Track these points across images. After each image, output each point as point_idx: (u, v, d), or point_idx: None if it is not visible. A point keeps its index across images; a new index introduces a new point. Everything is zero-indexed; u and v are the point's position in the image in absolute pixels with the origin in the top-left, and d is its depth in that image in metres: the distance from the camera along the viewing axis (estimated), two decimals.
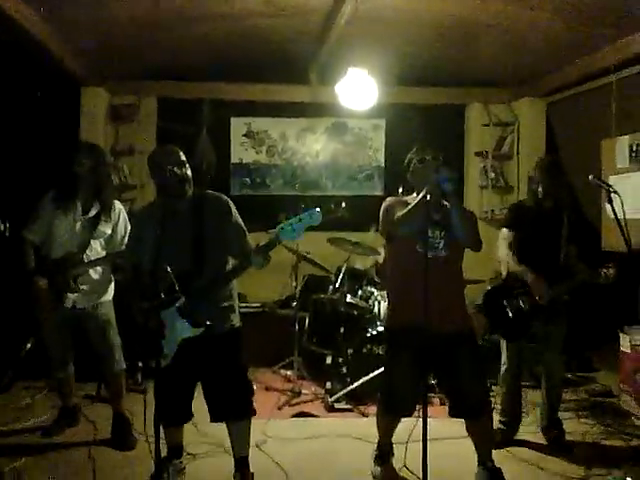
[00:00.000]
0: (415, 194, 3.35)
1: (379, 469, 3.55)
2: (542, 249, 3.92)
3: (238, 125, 6.84)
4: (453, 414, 3.35)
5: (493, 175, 6.86)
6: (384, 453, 3.60)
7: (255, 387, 5.13)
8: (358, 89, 4.71)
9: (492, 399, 3.97)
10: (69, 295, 3.94)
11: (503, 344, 4.11)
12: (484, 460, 3.40)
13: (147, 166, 3.26)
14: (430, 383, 4.95)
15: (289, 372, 5.42)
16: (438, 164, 3.21)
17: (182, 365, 3.10)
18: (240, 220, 3.30)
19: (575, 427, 4.36)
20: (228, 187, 6.76)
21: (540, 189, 3.95)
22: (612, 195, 3.37)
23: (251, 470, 3.36)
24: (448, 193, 3.05)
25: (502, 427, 4.12)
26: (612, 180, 5.16)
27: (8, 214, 4.10)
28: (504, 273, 4.01)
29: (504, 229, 4.05)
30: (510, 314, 3.89)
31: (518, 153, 6.77)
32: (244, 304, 6.06)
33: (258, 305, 6.15)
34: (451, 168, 3.01)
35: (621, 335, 4.71)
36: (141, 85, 6.50)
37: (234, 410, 3.25)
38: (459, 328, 3.25)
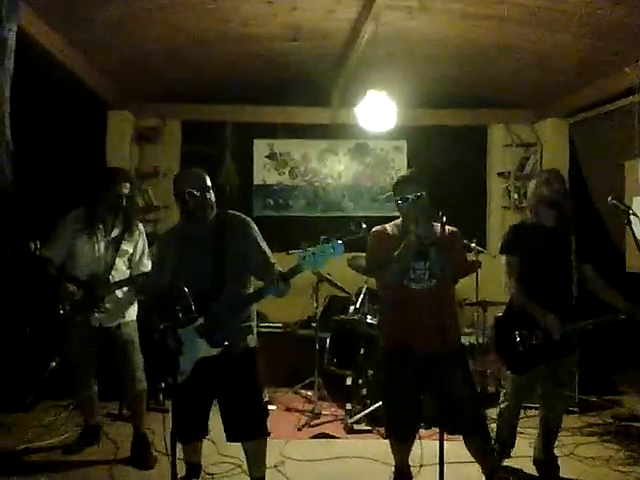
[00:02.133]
0: (400, 221, 3.51)
1: None
2: (550, 274, 3.62)
3: (261, 147, 6.91)
4: (451, 432, 3.32)
5: (516, 196, 6.81)
6: (402, 476, 3.57)
7: (275, 407, 5.23)
8: (377, 111, 4.73)
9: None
10: (96, 314, 4.00)
11: (508, 377, 3.90)
12: (489, 476, 3.43)
13: (172, 188, 3.31)
14: None
15: (309, 393, 5.41)
16: (419, 204, 3.32)
17: (198, 383, 3.13)
18: (261, 239, 3.34)
19: (599, 452, 4.27)
20: (251, 208, 6.81)
21: (542, 205, 3.70)
22: (631, 217, 3.32)
23: None
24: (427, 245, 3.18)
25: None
26: (636, 201, 5.11)
27: (38, 234, 4.18)
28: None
29: (503, 256, 3.78)
30: (521, 347, 3.61)
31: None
32: (265, 324, 6.11)
33: (279, 325, 6.17)
34: (431, 213, 3.14)
35: None
36: (166, 108, 6.62)
37: (248, 430, 3.25)
38: (450, 349, 3.25)
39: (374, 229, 3.55)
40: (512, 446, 3.95)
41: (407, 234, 3.30)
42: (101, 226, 4.07)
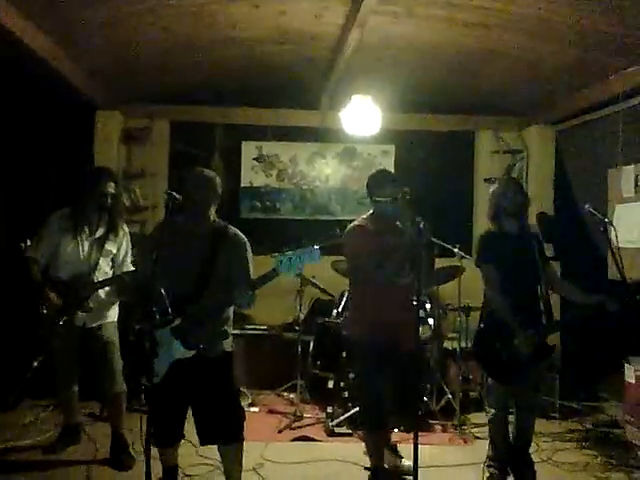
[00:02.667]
0: (370, 214, 3.66)
1: None
2: (518, 279, 3.66)
3: (249, 149, 6.91)
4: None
5: None
6: (382, 477, 3.61)
7: (258, 410, 5.24)
8: (362, 116, 4.76)
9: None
10: (80, 314, 4.01)
11: (492, 388, 3.88)
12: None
13: (188, 181, 3.33)
14: (432, 409, 4.97)
15: (292, 395, 5.43)
16: (397, 191, 3.48)
17: (174, 386, 3.14)
18: (251, 265, 3.33)
19: (577, 458, 4.32)
20: (238, 210, 6.82)
21: (508, 210, 3.74)
22: (607, 225, 3.36)
23: None
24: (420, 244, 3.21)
25: (495, 472, 3.82)
26: (618, 209, 5.16)
27: (26, 235, 4.19)
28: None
29: (480, 267, 3.79)
30: (503, 357, 3.61)
31: (527, 181, 6.76)
32: (250, 326, 6.13)
33: (264, 327, 6.18)
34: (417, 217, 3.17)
35: (626, 366, 4.62)
36: (154, 109, 6.61)
37: (223, 433, 3.26)
38: (413, 344, 3.43)
39: (352, 225, 3.65)
40: (508, 452, 3.87)
41: (387, 230, 3.43)
42: (86, 226, 4.08)
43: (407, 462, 3.90)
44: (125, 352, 4.08)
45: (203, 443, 3.31)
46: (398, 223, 3.59)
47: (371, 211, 3.73)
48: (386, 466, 3.77)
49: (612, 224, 3.40)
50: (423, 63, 5.47)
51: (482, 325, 3.80)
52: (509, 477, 3.87)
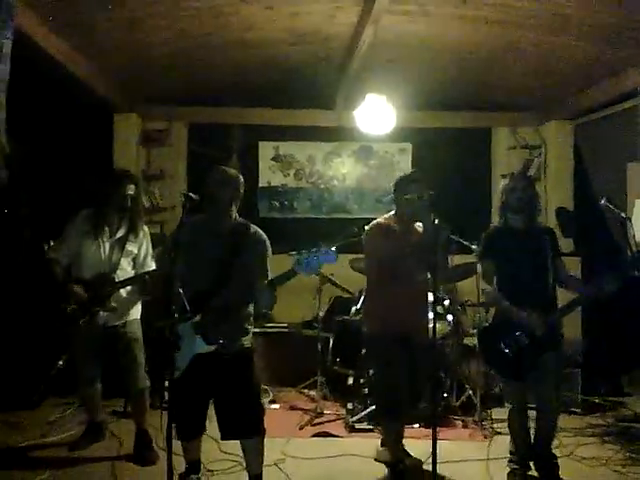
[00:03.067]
0: (393, 214, 3.78)
1: None
2: (525, 274, 3.67)
3: (266, 149, 6.98)
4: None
5: None
6: (398, 476, 3.67)
7: (279, 406, 5.30)
8: (377, 114, 4.79)
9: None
10: (102, 313, 4.08)
11: (505, 383, 3.93)
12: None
13: (211, 180, 3.39)
14: (452, 405, 4.98)
15: (313, 392, 5.46)
16: (422, 194, 3.55)
17: (195, 380, 3.21)
18: (268, 265, 3.38)
19: (599, 453, 4.28)
20: (256, 210, 6.88)
21: (513, 206, 3.76)
22: (625, 219, 3.35)
23: None
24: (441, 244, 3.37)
25: (515, 467, 3.83)
26: (638, 203, 5.12)
27: (49, 236, 4.29)
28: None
29: (480, 264, 3.86)
30: (509, 354, 3.61)
31: (545, 176, 6.74)
32: (270, 324, 6.18)
33: (284, 325, 6.23)
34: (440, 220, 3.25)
35: None
36: (172, 110, 6.70)
37: (243, 428, 3.31)
38: (425, 337, 3.68)
39: (373, 224, 3.77)
40: (531, 458, 3.84)
41: (411, 233, 3.65)
42: (107, 227, 4.16)
43: (416, 459, 3.95)
44: (147, 349, 4.14)
45: (224, 438, 3.36)
46: (419, 224, 3.68)
47: (393, 212, 3.82)
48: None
49: (629, 218, 3.38)
50: (438, 61, 5.48)
51: (485, 326, 3.83)
52: (530, 472, 3.86)
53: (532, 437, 3.86)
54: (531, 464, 3.86)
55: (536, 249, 3.73)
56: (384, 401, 3.77)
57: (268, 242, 3.44)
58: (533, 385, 3.78)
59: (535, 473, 3.85)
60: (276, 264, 3.40)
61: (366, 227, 3.87)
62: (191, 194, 3.18)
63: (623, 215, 3.44)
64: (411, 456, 4.00)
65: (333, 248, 3.01)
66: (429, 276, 3.65)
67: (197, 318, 3.15)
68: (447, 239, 3.65)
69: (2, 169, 2.56)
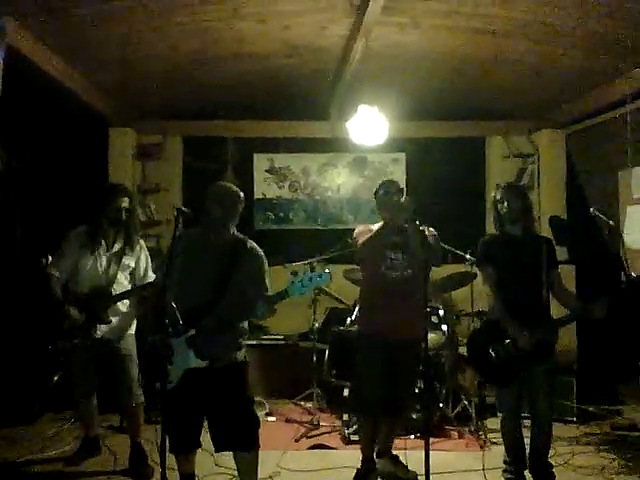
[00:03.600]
0: (382, 222, 3.79)
1: None
2: (520, 282, 3.71)
3: (261, 161, 7.00)
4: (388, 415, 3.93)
5: None
6: (367, 468, 3.84)
7: (275, 419, 5.28)
8: (369, 125, 4.82)
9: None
10: (99, 327, 4.10)
11: (497, 391, 3.93)
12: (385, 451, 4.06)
13: (210, 195, 3.40)
14: (448, 415, 4.98)
15: (309, 404, 5.46)
16: (399, 194, 3.75)
17: (188, 394, 3.22)
18: (268, 279, 3.40)
19: (594, 461, 4.29)
20: (252, 222, 6.89)
21: (507, 217, 3.81)
22: (613, 227, 3.39)
23: None
24: (410, 219, 3.46)
25: (510, 476, 3.83)
26: (630, 210, 5.15)
27: (45, 251, 4.30)
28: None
29: (479, 271, 3.95)
30: (495, 359, 3.66)
31: (539, 185, 6.77)
32: (266, 336, 6.19)
33: (280, 338, 6.24)
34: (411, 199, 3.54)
35: None
36: (167, 124, 6.74)
37: (237, 441, 3.31)
38: (412, 338, 3.71)
39: (358, 227, 3.94)
40: (525, 467, 3.85)
41: (385, 226, 3.71)
42: (103, 241, 4.18)
43: (412, 470, 3.96)
44: (140, 362, 4.14)
45: (217, 450, 3.36)
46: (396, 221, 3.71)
47: (381, 223, 3.82)
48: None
49: (615, 226, 3.42)
50: (430, 71, 5.53)
51: (474, 329, 3.92)
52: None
53: (528, 447, 3.86)
54: (526, 473, 3.86)
55: (532, 258, 3.77)
56: (357, 395, 3.96)
57: (265, 259, 3.44)
58: (526, 395, 3.80)
59: None
60: (272, 276, 3.44)
61: None
62: (183, 208, 3.20)
63: (611, 222, 3.48)
64: (406, 468, 4.02)
65: (327, 270, 3.08)
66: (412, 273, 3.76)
67: (191, 333, 3.16)
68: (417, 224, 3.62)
69: None
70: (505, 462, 3.91)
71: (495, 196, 3.95)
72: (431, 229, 3.78)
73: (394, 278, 3.76)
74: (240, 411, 3.30)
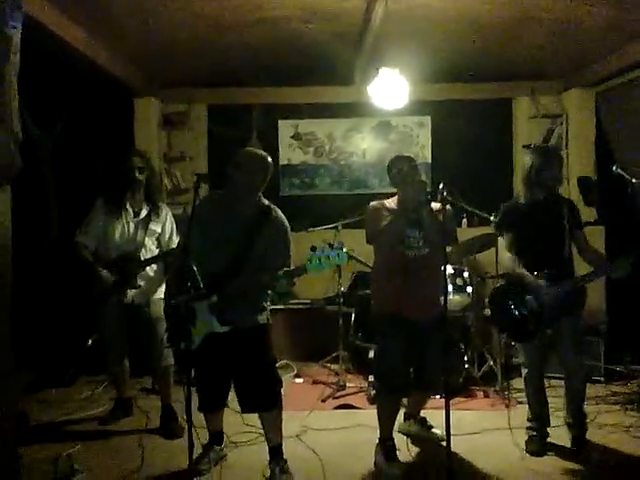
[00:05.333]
0: (396, 197, 3.75)
1: (391, 466, 3.63)
2: (542, 244, 3.72)
3: (286, 127, 7.01)
4: (421, 390, 3.94)
5: None
6: (389, 449, 3.71)
7: (302, 381, 5.39)
8: (391, 89, 4.78)
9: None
10: (129, 292, 4.22)
11: (521, 346, 3.94)
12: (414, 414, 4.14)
13: (234, 162, 3.41)
14: (474, 376, 5.02)
15: (335, 366, 5.55)
16: (414, 173, 3.61)
17: (212, 356, 3.32)
18: (290, 248, 3.45)
19: (620, 419, 4.32)
20: (278, 188, 6.92)
21: (539, 181, 3.76)
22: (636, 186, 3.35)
23: (286, 458, 3.52)
24: (422, 203, 3.44)
25: (533, 434, 3.91)
26: None
27: (77, 219, 4.42)
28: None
29: (500, 236, 3.91)
30: (517, 315, 3.69)
31: (567, 145, 6.66)
32: (294, 300, 6.28)
33: (307, 302, 6.32)
34: (425, 182, 3.50)
35: None
36: (191, 93, 6.76)
37: (260, 402, 3.41)
38: (434, 315, 3.57)
39: (372, 203, 3.78)
40: (548, 424, 3.93)
41: (401, 203, 3.61)
42: (129, 207, 4.28)
43: (438, 431, 4.01)
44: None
45: (243, 411, 3.47)
46: (434, 204, 3.60)
47: (395, 199, 3.81)
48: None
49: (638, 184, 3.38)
50: (454, 32, 5.42)
51: (495, 287, 3.92)
52: (548, 438, 3.93)
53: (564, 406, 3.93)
54: (549, 430, 3.93)
55: (554, 219, 3.76)
56: (383, 374, 3.77)
57: (289, 229, 3.48)
58: (556, 351, 3.85)
59: (553, 440, 3.93)
60: (296, 242, 3.51)
61: None
62: (203, 173, 3.25)
63: (634, 181, 3.43)
64: (432, 429, 4.09)
65: (344, 249, 3.08)
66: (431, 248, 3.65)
67: (214, 299, 3.23)
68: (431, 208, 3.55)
69: (17, 157, 2.65)
70: (528, 419, 3.97)
71: (533, 161, 3.82)
72: (447, 206, 3.46)
73: (413, 257, 3.64)
74: (262, 373, 3.39)
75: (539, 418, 3.92)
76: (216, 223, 3.38)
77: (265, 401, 3.41)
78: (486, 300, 5.59)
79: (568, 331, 3.74)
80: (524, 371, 3.96)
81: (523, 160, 5.47)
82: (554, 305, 3.58)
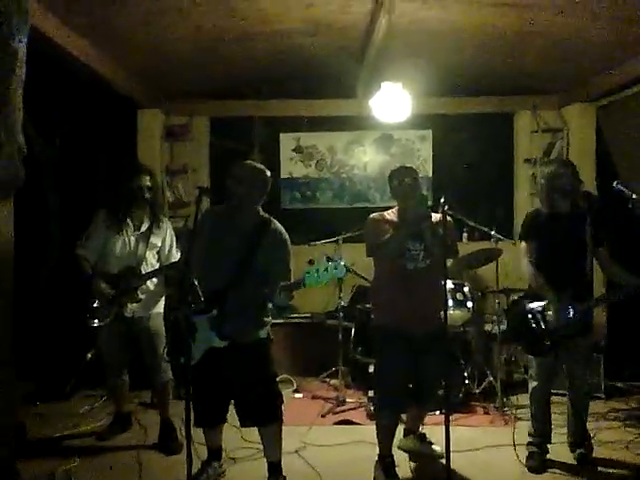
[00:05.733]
0: (396, 209, 3.74)
1: None
2: (565, 258, 3.73)
3: (287, 140, 7.02)
4: (419, 405, 3.91)
5: None
6: (388, 465, 3.69)
7: (302, 396, 5.37)
8: (393, 102, 4.80)
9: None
10: (129, 305, 4.21)
11: (532, 360, 3.92)
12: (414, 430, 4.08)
13: (233, 175, 3.43)
14: (473, 392, 5.00)
15: (335, 381, 5.53)
16: (415, 185, 3.62)
17: (212, 371, 3.30)
18: (290, 261, 3.44)
19: (620, 436, 4.29)
20: (279, 201, 6.93)
21: (556, 195, 3.77)
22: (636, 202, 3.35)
23: (285, 474, 3.50)
24: (423, 216, 3.45)
25: (533, 449, 3.90)
26: None
27: (79, 232, 4.41)
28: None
29: (522, 243, 3.91)
30: (535, 329, 3.69)
31: (568, 159, 6.66)
32: (294, 315, 6.26)
33: (307, 316, 6.30)
34: (426, 195, 3.54)
35: None
36: (194, 105, 6.77)
37: (260, 416, 3.40)
38: (434, 329, 3.54)
39: (372, 215, 3.78)
40: (549, 430, 3.95)
41: (402, 215, 3.60)
42: (130, 221, 4.27)
43: (438, 447, 3.97)
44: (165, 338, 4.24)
45: (243, 425, 3.47)
46: (435, 215, 3.62)
47: (395, 211, 3.81)
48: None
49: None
50: (456, 46, 5.46)
51: (515, 298, 3.95)
52: (548, 455, 3.91)
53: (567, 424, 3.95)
54: (549, 447, 3.92)
55: (578, 233, 3.74)
56: (380, 393, 3.77)
57: (289, 242, 3.48)
58: (566, 368, 3.85)
59: (553, 456, 3.92)
60: (296, 255, 3.52)
61: None
62: (205, 186, 3.25)
63: (634, 197, 3.44)
64: (432, 446, 4.05)
65: (342, 263, 3.07)
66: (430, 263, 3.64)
67: (214, 313, 3.23)
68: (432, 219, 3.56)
69: (20, 169, 2.65)
70: (530, 434, 3.96)
71: (548, 169, 3.87)
72: (448, 219, 3.52)
73: (414, 269, 3.62)
74: (262, 387, 3.38)
75: (541, 434, 3.91)
76: (217, 237, 3.38)
77: (265, 415, 3.41)
78: (489, 316, 5.63)
79: (581, 349, 3.77)
80: (532, 384, 3.93)
81: (527, 172, 5.44)
82: (573, 323, 3.60)
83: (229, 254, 3.34)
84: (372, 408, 4.69)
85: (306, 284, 3.11)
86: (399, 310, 3.61)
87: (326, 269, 3.06)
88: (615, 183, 3.58)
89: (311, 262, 3.07)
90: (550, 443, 3.94)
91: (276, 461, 3.48)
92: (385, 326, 3.70)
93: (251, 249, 3.35)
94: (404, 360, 3.59)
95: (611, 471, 3.78)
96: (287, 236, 3.49)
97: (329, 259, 3.08)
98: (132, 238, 4.28)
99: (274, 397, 3.44)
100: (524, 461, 3.86)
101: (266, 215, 3.51)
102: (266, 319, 3.49)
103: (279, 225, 3.50)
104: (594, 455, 3.92)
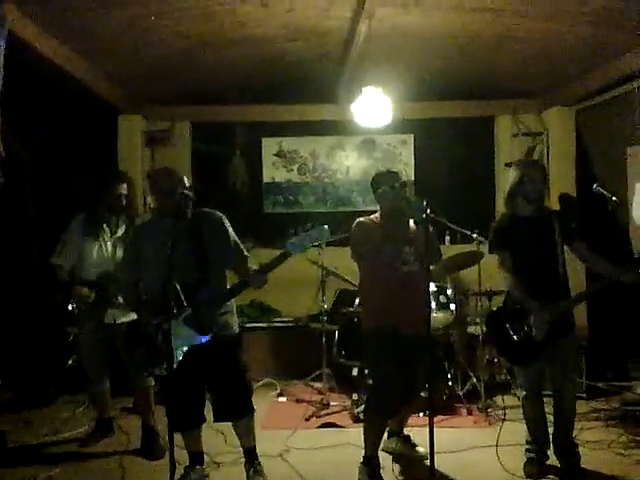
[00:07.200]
0: (379, 213, 3.75)
1: None
2: (536, 261, 3.67)
3: (269, 145, 7.04)
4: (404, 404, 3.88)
5: None
6: (374, 467, 3.69)
7: (286, 399, 5.37)
8: (374, 107, 4.83)
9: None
10: (109, 311, 4.18)
11: (517, 369, 3.89)
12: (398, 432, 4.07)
13: (151, 188, 3.52)
14: (457, 394, 5.02)
15: (319, 384, 5.52)
16: (404, 189, 3.61)
17: (187, 372, 3.28)
18: (234, 235, 3.53)
19: (602, 436, 4.30)
20: (261, 205, 6.92)
21: (526, 196, 3.70)
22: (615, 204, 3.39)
23: (269, 477, 3.54)
24: (419, 221, 3.42)
25: (531, 455, 3.82)
26: (638, 187, 5.11)
27: (56, 239, 4.38)
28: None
29: (496, 254, 3.80)
30: (515, 338, 3.64)
31: (548, 163, 6.73)
32: (277, 319, 6.27)
33: (290, 319, 6.30)
34: (418, 197, 3.38)
35: None
36: (175, 110, 6.76)
37: (234, 410, 3.48)
38: (424, 331, 3.40)
39: (359, 219, 3.79)
40: (548, 446, 3.84)
41: (391, 219, 3.62)
42: (106, 227, 4.26)
43: (422, 449, 3.98)
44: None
45: (217, 420, 3.53)
46: (403, 216, 3.67)
47: (378, 212, 3.83)
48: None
49: (618, 203, 3.43)
50: (436, 51, 5.50)
51: (493, 310, 3.86)
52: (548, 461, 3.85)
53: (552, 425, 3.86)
54: (549, 452, 3.85)
55: (546, 236, 3.70)
56: (374, 395, 3.76)
57: (224, 217, 3.54)
58: (550, 371, 3.78)
59: (553, 462, 3.85)
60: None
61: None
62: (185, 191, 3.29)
63: (614, 199, 3.48)
64: (416, 447, 4.06)
65: (325, 226, 3.07)
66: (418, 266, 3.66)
67: (188, 311, 3.22)
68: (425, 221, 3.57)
69: None
70: (527, 442, 3.88)
71: (516, 173, 3.78)
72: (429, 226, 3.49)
73: (407, 272, 3.64)
74: (236, 381, 3.47)
75: (538, 440, 3.83)
76: (163, 244, 3.24)
77: (241, 409, 3.50)
78: (471, 319, 5.65)
79: (566, 350, 3.71)
80: (521, 393, 3.87)
81: (507, 176, 5.49)
82: (555, 326, 3.53)
83: (183, 253, 3.24)
84: (357, 411, 4.72)
85: (291, 252, 3.11)
86: (396, 312, 3.61)
87: (308, 233, 3.07)
88: (595, 186, 3.60)
89: (294, 232, 3.07)
90: (549, 449, 3.85)
91: (251, 447, 3.59)
92: (379, 329, 3.67)
93: (200, 240, 3.38)
94: (399, 363, 3.59)
95: (594, 471, 3.76)
96: (220, 214, 3.55)
97: (312, 226, 3.08)
98: (109, 243, 4.27)
99: (247, 391, 3.56)
100: (507, 462, 3.81)
101: (196, 209, 3.50)
102: (234, 311, 3.56)
103: (210, 210, 3.56)
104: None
